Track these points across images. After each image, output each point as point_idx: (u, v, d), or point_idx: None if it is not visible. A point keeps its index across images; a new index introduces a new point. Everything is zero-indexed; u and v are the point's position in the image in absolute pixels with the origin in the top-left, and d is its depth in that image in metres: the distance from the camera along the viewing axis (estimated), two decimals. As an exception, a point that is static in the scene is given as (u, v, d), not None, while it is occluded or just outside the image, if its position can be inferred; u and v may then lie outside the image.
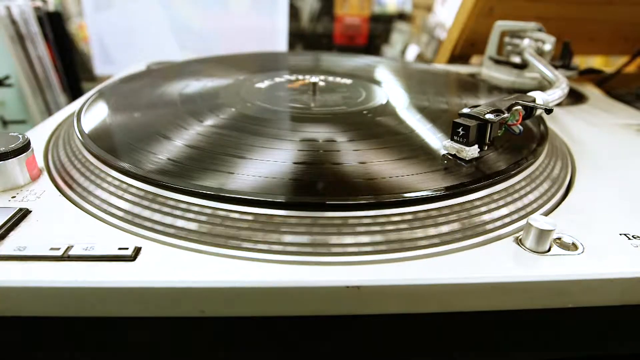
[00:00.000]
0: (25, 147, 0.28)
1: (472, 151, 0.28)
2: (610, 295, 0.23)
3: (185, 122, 0.34)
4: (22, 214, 0.25)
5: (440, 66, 0.68)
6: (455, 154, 0.29)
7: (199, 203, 0.24)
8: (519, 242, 0.24)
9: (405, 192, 0.24)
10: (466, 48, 0.71)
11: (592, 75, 0.67)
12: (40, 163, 0.31)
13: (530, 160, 0.30)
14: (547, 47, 0.52)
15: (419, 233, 0.23)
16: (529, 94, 0.34)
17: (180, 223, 0.23)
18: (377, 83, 0.48)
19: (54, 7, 0.85)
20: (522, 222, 0.26)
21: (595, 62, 0.94)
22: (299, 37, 1.39)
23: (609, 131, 0.43)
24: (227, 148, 0.30)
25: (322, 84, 0.46)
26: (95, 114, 0.36)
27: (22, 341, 0.22)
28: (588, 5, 0.65)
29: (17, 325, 0.22)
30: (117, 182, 0.26)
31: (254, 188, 0.25)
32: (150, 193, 0.25)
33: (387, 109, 0.40)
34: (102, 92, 0.42)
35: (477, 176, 0.27)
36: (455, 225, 0.24)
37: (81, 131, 0.32)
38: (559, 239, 0.24)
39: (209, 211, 0.24)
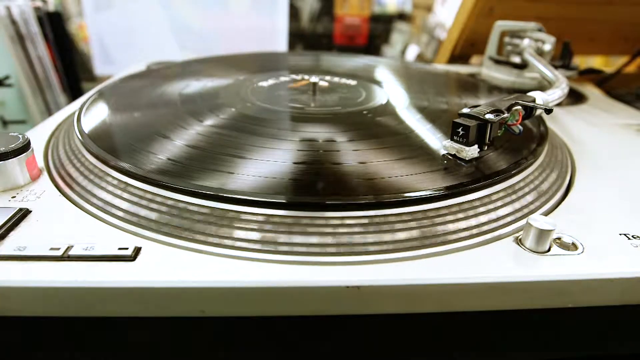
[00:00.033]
0: (25, 147, 0.28)
1: (472, 151, 0.28)
2: (610, 295, 0.23)
3: (185, 122, 0.34)
4: (22, 214, 0.25)
5: (440, 66, 0.68)
6: (455, 154, 0.29)
7: (199, 203, 0.24)
8: (519, 242, 0.24)
9: (405, 192, 0.24)
10: (466, 48, 0.72)
11: (592, 75, 0.67)
12: (40, 163, 0.31)
13: (530, 160, 0.30)
14: (547, 47, 0.52)
15: (419, 233, 0.23)
16: (529, 94, 0.34)
17: (180, 223, 0.23)
18: (377, 83, 0.48)
19: (54, 7, 0.85)
20: (522, 222, 0.26)
21: (595, 62, 0.94)
22: (299, 37, 1.39)
23: (609, 131, 0.43)
24: (227, 148, 0.30)
25: (324, 84, 0.46)
26: (95, 114, 0.36)
27: (22, 341, 0.22)
28: (588, 5, 0.65)
29: (17, 325, 0.22)
30: (117, 182, 0.26)
31: (254, 188, 0.25)
32: (150, 193, 0.25)
33: (387, 109, 0.40)
34: (102, 92, 0.42)
35: (477, 176, 0.27)
36: (455, 225, 0.24)
37: (81, 131, 0.32)
38: (559, 239, 0.24)
39: (208, 211, 0.24)
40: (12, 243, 0.22)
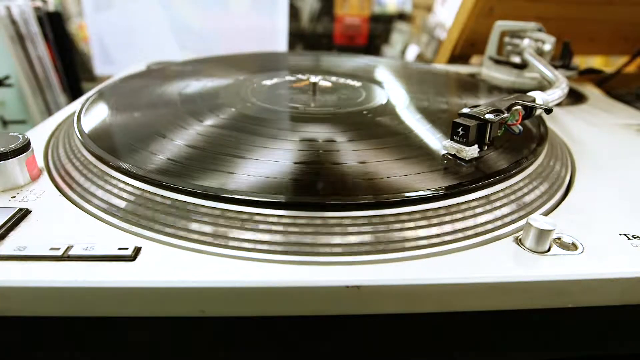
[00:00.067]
0: (25, 147, 0.28)
1: (472, 151, 0.28)
2: (610, 295, 0.23)
3: (185, 122, 0.34)
4: (22, 214, 0.25)
5: (440, 66, 0.68)
6: (455, 154, 0.29)
7: (199, 203, 0.24)
8: (519, 242, 0.24)
9: (405, 192, 0.24)
10: (466, 48, 0.71)
11: (592, 75, 0.67)
12: (40, 163, 0.31)
13: (530, 160, 0.30)
14: (547, 47, 0.52)
15: (419, 233, 0.23)
16: (529, 94, 0.34)
17: (180, 223, 0.23)
18: (377, 83, 0.48)
19: (54, 7, 0.85)
20: (522, 222, 0.26)
21: (595, 62, 0.94)
22: (299, 37, 1.39)
23: (609, 131, 0.43)
24: (227, 148, 0.30)
25: (327, 84, 0.46)
26: (95, 114, 0.36)
27: (22, 341, 0.22)
28: (588, 5, 0.65)
29: (17, 325, 0.22)
30: (117, 182, 0.26)
31: (254, 188, 0.25)
32: (150, 193, 0.25)
33: (387, 109, 0.40)
34: (102, 92, 0.42)
35: (477, 176, 0.27)
36: (455, 225, 0.24)
37: (81, 131, 0.32)
38: (559, 238, 0.24)
39: (208, 211, 0.24)
40: (12, 243, 0.22)
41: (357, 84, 0.47)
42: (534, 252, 0.23)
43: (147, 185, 0.25)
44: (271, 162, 0.28)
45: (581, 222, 0.26)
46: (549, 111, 0.31)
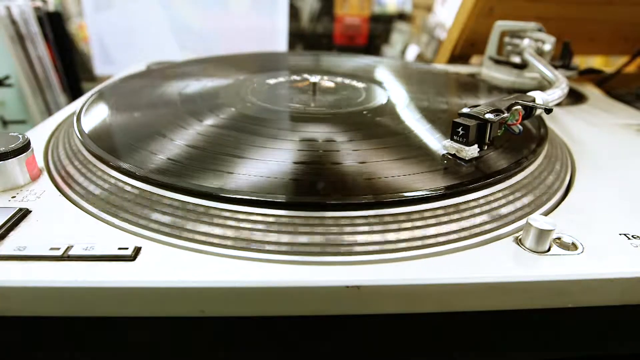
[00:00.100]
0: (25, 147, 0.28)
1: (472, 151, 0.28)
2: (610, 295, 0.23)
3: (185, 122, 0.34)
4: (22, 214, 0.25)
5: (440, 66, 0.68)
6: (455, 154, 0.29)
7: (199, 203, 0.24)
8: (519, 242, 0.24)
9: (405, 192, 0.24)
10: (466, 48, 0.71)
11: (592, 75, 0.67)
12: (40, 163, 0.31)
13: (530, 159, 0.30)
14: (547, 47, 0.52)
15: (419, 233, 0.23)
16: (529, 94, 0.34)
17: (180, 223, 0.23)
18: (377, 83, 0.48)
19: (54, 7, 0.85)
20: (522, 222, 0.26)
21: (595, 62, 0.94)
22: (299, 37, 1.38)
23: (609, 131, 0.43)
24: (227, 148, 0.30)
25: (331, 84, 0.46)
26: (95, 114, 0.36)
27: (22, 341, 0.22)
28: (588, 5, 0.65)
29: (17, 325, 0.22)
30: (117, 182, 0.26)
31: (254, 188, 0.25)
32: (150, 193, 0.25)
33: (387, 109, 0.40)
34: (102, 92, 0.42)
35: (477, 176, 0.27)
36: (455, 225, 0.24)
37: (81, 131, 0.32)
38: (559, 238, 0.24)
39: (209, 211, 0.24)
40: (12, 243, 0.22)
41: (357, 84, 0.47)
42: (534, 252, 0.23)
43: (147, 185, 0.25)
44: (271, 162, 0.28)
45: (581, 222, 0.26)
46: (549, 111, 0.31)
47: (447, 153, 0.29)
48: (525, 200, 0.27)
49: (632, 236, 0.25)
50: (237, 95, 0.41)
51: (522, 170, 0.29)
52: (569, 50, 0.53)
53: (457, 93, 0.49)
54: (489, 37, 0.57)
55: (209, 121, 0.34)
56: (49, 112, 0.78)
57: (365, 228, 0.23)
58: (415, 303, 0.22)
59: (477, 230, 0.24)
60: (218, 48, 0.98)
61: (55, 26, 0.79)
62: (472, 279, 0.21)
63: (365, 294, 0.21)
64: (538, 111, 0.33)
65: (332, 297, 0.21)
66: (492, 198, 0.26)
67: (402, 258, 0.22)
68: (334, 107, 0.39)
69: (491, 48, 0.57)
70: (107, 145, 0.29)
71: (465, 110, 0.29)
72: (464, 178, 0.26)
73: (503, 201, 0.26)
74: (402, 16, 1.47)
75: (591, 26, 0.69)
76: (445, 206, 0.25)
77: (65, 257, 0.21)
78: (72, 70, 0.84)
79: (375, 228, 0.23)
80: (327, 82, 0.47)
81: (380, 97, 0.43)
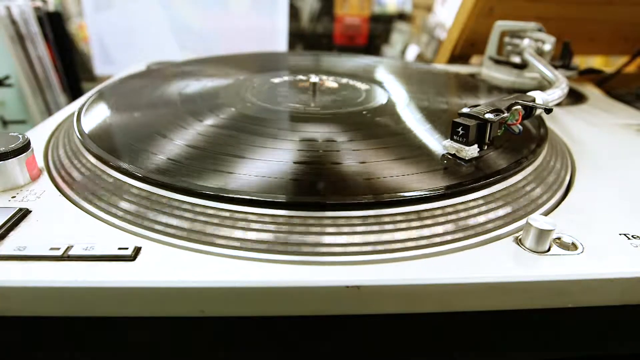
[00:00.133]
0: (25, 147, 0.28)
1: (472, 151, 0.28)
2: (610, 295, 0.23)
3: (185, 122, 0.34)
4: (22, 214, 0.25)
5: (440, 66, 0.68)
6: (454, 154, 0.29)
7: (199, 203, 0.24)
8: (519, 242, 0.24)
9: (405, 192, 0.24)
10: (466, 48, 0.71)
11: (592, 75, 0.67)
12: (40, 163, 0.31)
13: (530, 159, 0.30)
14: (547, 47, 0.52)
15: (419, 233, 0.23)
16: (529, 93, 0.34)
17: (180, 223, 0.23)
18: (377, 83, 0.48)
19: (54, 7, 0.85)
20: (522, 222, 0.26)
21: (595, 62, 0.94)
22: (299, 37, 1.39)
23: (609, 131, 0.43)
24: (227, 148, 0.30)
25: (331, 84, 0.46)
26: (95, 114, 0.36)
27: (22, 341, 0.22)
28: (588, 5, 0.65)
29: (17, 325, 0.22)
30: (116, 182, 0.26)
31: (254, 188, 0.25)
32: (150, 193, 0.25)
33: (387, 109, 0.40)
34: (102, 92, 0.42)
35: (477, 176, 0.27)
36: (455, 225, 0.24)
37: (81, 131, 0.32)
38: (559, 238, 0.24)
39: (208, 211, 0.24)
40: (12, 243, 0.22)
41: (357, 84, 0.47)
42: (534, 252, 0.23)
43: (147, 185, 0.25)
44: (271, 162, 0.28)
45: (581, 222, 0.26)
46: (548, 111, 0.31)
47: (447, 153, 0.29)
48: (525, 200, 0.27)
49: (632, 236, 0.25)
50: (237, 95, 0.41)
51: (522, 170, 0.29)
52: (569, 50, 0.53)
53: (457, 93, 0.49)
54: (489, 37, 0.57)
55: (209, 121, 0.34)
56: (49, 112, 0.78)
57: (365, 228, 0.23)
58: (415, 303, 0.22)
59: (477, 230, 0.24)
60: (218, 48, 0.98)
61: (55, 26, 0.79)
62: (472, 279, 0.21)
63: (365, 294, 0.21)
64: (538, 111, 0.33)
65: (332, 297, 0.21)
66: (491, 198, 0.26)
67: (402, 258, 0.22)
68: (334, 107, 0.39)
69: (491, 48, 0.57)
70: (107, 146, 0.29)
71: (465, 110, 0.29)
72: (464, 178, 0.26)
73: (503, 201, 0.26)
74: (402, 16, 1.47)
75: (591, 26, 0.69)
76: (445, 206, 0.25)
77: (65, 257, 0.21)
78: (72, 70, 0.84)
79: (375, 228, 0.23)
80: (327, 82, 0.47)
81: (380, 97, 0.43)
